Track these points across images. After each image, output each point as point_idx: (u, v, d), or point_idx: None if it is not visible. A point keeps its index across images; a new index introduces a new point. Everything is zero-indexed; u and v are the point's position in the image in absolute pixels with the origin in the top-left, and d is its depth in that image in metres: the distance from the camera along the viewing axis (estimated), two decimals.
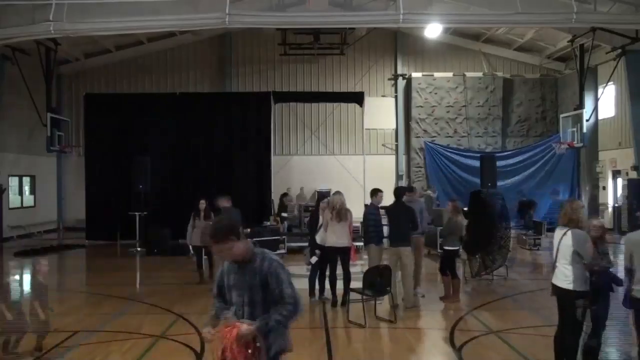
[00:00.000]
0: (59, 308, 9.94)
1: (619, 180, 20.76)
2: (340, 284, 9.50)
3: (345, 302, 9.03)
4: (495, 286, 11.02)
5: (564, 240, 5.82)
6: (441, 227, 12.39)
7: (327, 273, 9.67)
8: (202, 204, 11.78)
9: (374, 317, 8.58)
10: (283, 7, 20.08)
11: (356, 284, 9.00)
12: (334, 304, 9.41)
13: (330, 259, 9.48)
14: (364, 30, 22.59)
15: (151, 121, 18.56)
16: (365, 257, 10.16)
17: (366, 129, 21.02)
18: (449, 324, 8.38)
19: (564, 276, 5.81)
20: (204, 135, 18.81)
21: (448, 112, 23.68)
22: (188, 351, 7.01)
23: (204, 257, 11.63)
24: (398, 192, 9.59)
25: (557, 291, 5.91)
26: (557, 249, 5.91)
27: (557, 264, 5.90)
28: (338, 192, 9.73)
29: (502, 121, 23.74)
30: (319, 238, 9.48)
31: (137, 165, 17.06)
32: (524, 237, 17.11)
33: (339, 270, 9.51)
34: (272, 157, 19.19)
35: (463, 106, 23.59)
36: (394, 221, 9.37)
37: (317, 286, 9.82)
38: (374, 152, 23.57)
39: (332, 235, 9.26)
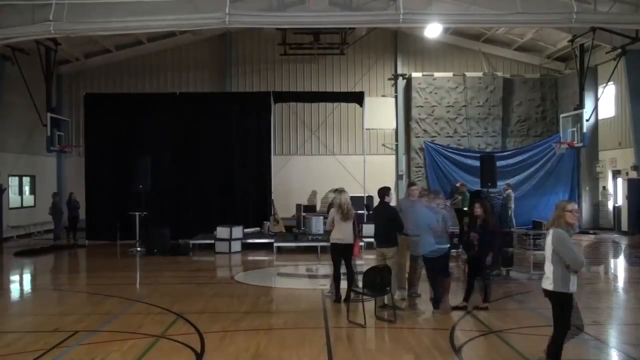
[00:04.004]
0: (59, 308, 9.98)
1: (619, 180, 20.76)
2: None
3: (349, 298, 9.21)
4: (495, 286, 11.01)
5: (547, 241, 5.83)
6: None
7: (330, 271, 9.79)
8: None
9: (374, 317, 8.59)
10: (283, 7, 20.09)
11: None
12: (337, 299, 9.52)
13: (334, 256, 9.68)
14: (364, 30, 22.60)
15: (151, 121, 18.60)
16: (368, 256, 10.15)
17: (366, 129, 21.02)
18: (449, 324, 8.38)
19: (546, 277, 5.82)
20: (204, 135, 18.82)
21: (448, 112, 23.67)
22: (188, 351, 7.01)
23: None
24: (381, 192, 9.54)
25: (544, 292, 5.91)
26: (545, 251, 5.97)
27: (545, 265, 5.91)
28: (342, 191, 9.79)
29: (502, 121, 23.74)
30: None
31: (137, 165, 17.06)
32: (524, 237, 17.08)
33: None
34: (272, 157, 19.21)
35: (463, 106, 23.59)
36: (377, 222, 9.40)
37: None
38: (374, 152, 23.57)
39: (338, 233, 9.52)
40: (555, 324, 5.78)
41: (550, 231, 5.75)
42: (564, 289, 5.66)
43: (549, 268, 5.76)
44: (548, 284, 5.76)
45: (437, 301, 9.07)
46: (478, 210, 9.28)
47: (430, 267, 9.14)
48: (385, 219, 9.23)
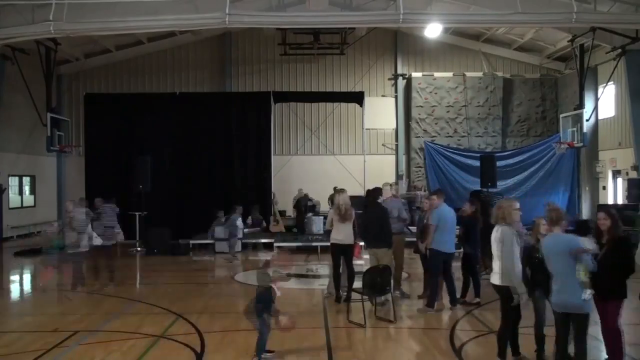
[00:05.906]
0: (59, 308, 9.98)
1: (619, 180, 20.75)
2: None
3: (349, 298, 9.21)
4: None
5: (494, 237, 6.04)
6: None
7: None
8: None
9: (374, 317, 8.59)
10: (283, 7, 20.11)
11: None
12: (337, 299, 9.54)
13: (334, 256, 9.68)
14: (364, 30, 22.59)
15: (151, 121, 18.59)
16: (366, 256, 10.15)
17: (366, 129, 21.03)
18: (449, 324, 8.38)
19: (494, 272, 6.06)
20: (204, 135, 18.82)
21: (448, 112, 23.67)
22: (188, 351, 7.01)
23: None
24: (373, 193, 9.55)
25: (494, 288, 6.16)
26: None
27: (493, 261, 6.12)
28: (341, 190, 9.77)
29: (502, 121, 23.73)
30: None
31: (137, 165, 17.07)
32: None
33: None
34: (272, 157, 19.22)
35: (463, 106, 23.59)
36: (369, 222, 9.40)
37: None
38: (374, 152, 23.57)
39: (337, 234, 9.52)
40: (503, 316, 6.08)
41: (500, 229, 5.98)
42: (509, 283, 5.95)
43: (496, 263, 6.02)
44: (496, 278, 6.04)
45: (432, 300, 9.09)
46: (467, 208, 9.80)
47: (436, 264, 9.14)
48: (377, 219, 9.23)
